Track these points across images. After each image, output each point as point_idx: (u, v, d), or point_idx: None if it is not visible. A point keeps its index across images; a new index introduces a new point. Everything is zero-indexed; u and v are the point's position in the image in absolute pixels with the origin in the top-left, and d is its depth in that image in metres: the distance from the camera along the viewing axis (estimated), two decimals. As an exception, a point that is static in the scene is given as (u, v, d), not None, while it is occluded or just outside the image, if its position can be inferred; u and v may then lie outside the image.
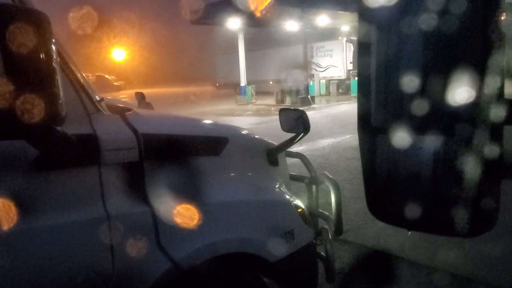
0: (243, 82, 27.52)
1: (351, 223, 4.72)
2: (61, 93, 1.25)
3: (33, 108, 1.20)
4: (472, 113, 0.70)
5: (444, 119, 0.73)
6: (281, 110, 2.79)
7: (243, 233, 2.02)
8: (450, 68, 0.71)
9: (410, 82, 0.75)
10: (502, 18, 0.67)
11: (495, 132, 0.71)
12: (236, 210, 2.06)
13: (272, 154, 2.42)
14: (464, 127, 0.71)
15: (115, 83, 42.90)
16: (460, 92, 0.70)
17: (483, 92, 0.68)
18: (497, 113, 0.69)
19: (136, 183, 1.72)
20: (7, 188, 1.43)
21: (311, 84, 25.30)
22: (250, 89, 26.71)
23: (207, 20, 25.70)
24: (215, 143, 2.10)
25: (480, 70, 0.68)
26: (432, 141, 0.76)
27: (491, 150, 0.71)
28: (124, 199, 1.68)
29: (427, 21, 0.71)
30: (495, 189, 0.75)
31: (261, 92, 28.68)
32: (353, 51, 28.19)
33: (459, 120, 0.71)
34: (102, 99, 1.87)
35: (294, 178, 2.80)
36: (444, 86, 0.71)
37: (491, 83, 0.68)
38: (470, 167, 0.73)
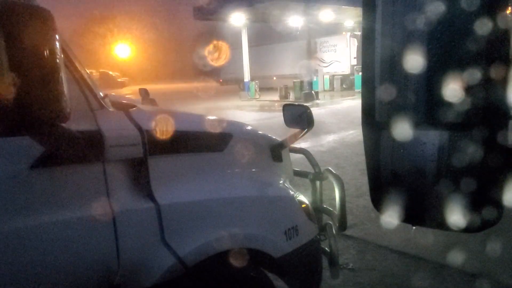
0: (246, 78, 27.49)
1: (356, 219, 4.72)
2: (65, 90, 1.25)
3: (38, 105, 1.20)
4: (477, 108, 0.70)
5: (449, 114, 0.73)
6: (285, 106, 2.78)
7: (247, 228, 2.02)
8: (455, 62, 0.70)
9: (414, 77, 0.75)
10: (508, 12, 0.67)
11: (501, 127, 0.71)
12: (240, 206, 2.06)
13: (276, 150, 2.42)
14: (469, 122, 0.71)
15: (119, 80, 42.88)
16: (465, 86, 0.69)
17: (489, 87, 0.68)
18: (503, 107, 0.69)
19: (141, 179, 1.72)
20: (12, 184, 1.44)
21: (314, 79, 25.20)
22: (254, 85, 26.67)
23: (211, 15, 25.65)
24: (219, 139, 2.10)
25: (485, 64, 0.67)
26: (437, 136, 0.76)
27: (497, 145, 0.71)
28: (129, 195, 1.68)
29: (432, 14, 0.70)
30: (499, 184, 0.74)
31: (265, 88, 28.63)
32: (357, 46, 28.06)
33: (464, 115, 0.71)
34: (106, 96, 1.88)
35: (298, 173, 2.80)
36: (448, 81, 0.70)
37: (497, 77, 0.67)
38: (475, 162, 0.73)
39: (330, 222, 2.66)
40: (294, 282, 2.29)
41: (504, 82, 0.68)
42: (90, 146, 1.57)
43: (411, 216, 0.85)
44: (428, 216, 0.84)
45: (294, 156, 2.75)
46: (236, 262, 1.94)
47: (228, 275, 1.97)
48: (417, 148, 0.79)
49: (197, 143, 2.01)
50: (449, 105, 0.72)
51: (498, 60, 0.67)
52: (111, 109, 1.76)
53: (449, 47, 0.70)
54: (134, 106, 2.08)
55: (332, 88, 29.43)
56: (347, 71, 29.45)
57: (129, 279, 1.67)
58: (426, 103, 0.75)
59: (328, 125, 12.54)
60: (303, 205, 2.31)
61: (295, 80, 23.86)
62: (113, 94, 2.72)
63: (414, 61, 0.75)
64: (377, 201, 0.96)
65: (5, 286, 1.43)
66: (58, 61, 1.22)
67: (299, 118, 2.54)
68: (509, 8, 0.66)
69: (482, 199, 0.74)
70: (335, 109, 17.95)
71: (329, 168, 2.69)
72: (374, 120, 0.85)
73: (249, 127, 2.57)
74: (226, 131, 2.17)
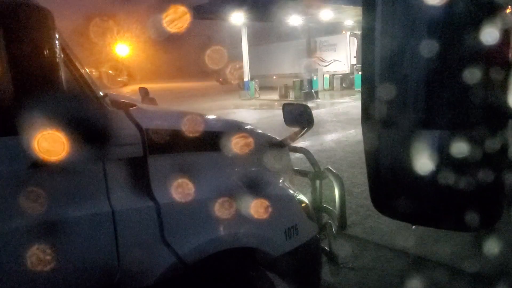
0: (246, 77, 27.48)
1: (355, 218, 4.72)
2: (65, 89, 1.25)
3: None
4: (477, 107, 0.70)
5: (449, 113, 0.73)
6: (284, 105, 2.78)
7: (247, 227, 2.02)
8: (455, 62, 0.70)
9: (414, 76, 0.75)
10: (508, 11, 0.67)
11: (501, 126, 0.71)
12: (240, 205, 2.06)
13: (276, 149, 2.42)
14: (469, 121, 0.71)
15: (118, 79, 42.84)
16: (465, 85, 0.69)
17: (489, 85, 0.68)
18: (503, 107, 0.69)
19: (141, 178, 1.72)
20: (12, 184, 1.44)
21: (314, 78, 25.20)
22: (254, 84, 26.67)
23: (211, 14, 25.61)
24: (218, 138, 2.10)
25: (486, 63, 0.67)
26: (437, 136, 0.76)
27: (496, 144, 0.71)
28: (129, 194, 1.68)
29: (432, 14, 0.70)
30: (499, 183, 0.74)
31: (265, 87, 28.64)
32: (357, 45, 28.05)
33: (464, 114, 0.71)
34: (106, 95, 1.88)
35: (297, 173, 2.80)
36: (449, 80, 0.70)
37: (497, 76, 0.67)
38: (475, 161, 0.73)
39: (330, 221, 2.66)
40: (294, 281, 2.29)
41: (504, 82, 0.68)
42: (90, 145, 1.57)
43: (411, 215, 0.85)
44: (428, 215, 0.84)
45: (294, 155, 2.75)
46: (235, 261, 1.95)
47: (227, 274, 1.97)
48: (417, 147, 0.79)
49: (197, 142, 2.01)
50: (449, 104, 0.72)
51: (498, 60, 0.67)
52: (110, 108, 1.76)
53: (449, 46, 0.70)
54: (134, 105, 2.08)
55: (332, 87, 29.42)
56: (347, 70, 29.42)
57: (129, 278, 1.67)
58: (426, 103, 0.75)
59: (328, 124, 12.54)
60: (302, 204, 2.31)
61: (295, 79, 23.86)
62: (113, 93, 2.73)
63: (414, 60, 0.75)
64: (377, 200, 0.96)
65: (5, 286, 1.43)
66: (57, 60, 1.22)
67: (299, 117, 2.55)
68: (509, 8, 0.66)
69: (481, 198, 0.74)
70: (335, 108, 17.95)
71: (329, 167, 2.69)
72: (374, 119, 0.85)
73: (248, 126, 2.57)
74: (226, 130, 2.17)
